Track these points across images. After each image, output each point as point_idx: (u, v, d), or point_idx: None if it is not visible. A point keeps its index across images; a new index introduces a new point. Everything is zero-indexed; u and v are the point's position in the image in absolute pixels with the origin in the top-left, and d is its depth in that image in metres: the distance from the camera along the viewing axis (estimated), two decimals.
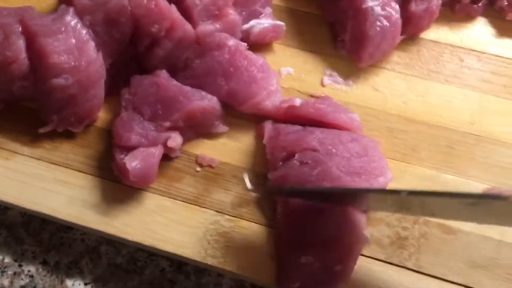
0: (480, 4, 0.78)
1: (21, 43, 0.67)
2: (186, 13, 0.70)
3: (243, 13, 0.74)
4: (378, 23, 0.72)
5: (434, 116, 0.72)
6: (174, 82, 0.69)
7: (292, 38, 0.78)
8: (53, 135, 0.71)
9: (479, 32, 0.79)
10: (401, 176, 0.69)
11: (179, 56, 0.70)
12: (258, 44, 0.76)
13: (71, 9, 0.69)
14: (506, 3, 0.77)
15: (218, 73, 0.69)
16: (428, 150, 0.70)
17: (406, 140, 0.71)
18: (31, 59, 0.67)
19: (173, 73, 0.70)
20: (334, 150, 0.65)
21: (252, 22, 0.75)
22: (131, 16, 0.68)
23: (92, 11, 0.69)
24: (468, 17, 0.79)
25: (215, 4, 0.71)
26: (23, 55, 0.67)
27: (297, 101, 0.70)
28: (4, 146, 0.71)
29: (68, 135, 0.71)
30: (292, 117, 0.69)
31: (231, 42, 0.70)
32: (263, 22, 0.75)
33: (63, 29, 0.67)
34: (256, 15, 0.75)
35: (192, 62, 0.71)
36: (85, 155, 0.71)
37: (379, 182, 0.64)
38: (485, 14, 0.80)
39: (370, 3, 0.72)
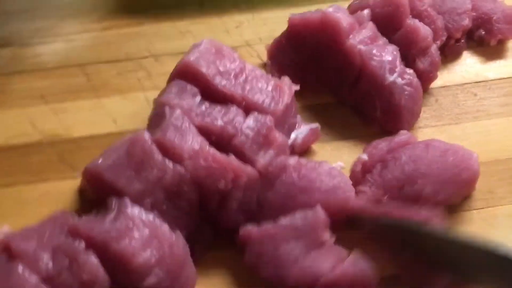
0: (463, 41, 0.85)
1: (93, 259, 0.59)
2: (236, 153, 0.67)
3: (284, 130, 0.73)
4: (406, 92, 0.75)
5: (486, 153, 0.76)
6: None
7: (323, 133, 0.78)
8: None
9: (472, 65, 0.85)
10: (494, 220, 0.71)
11: (249, 200, 0.67)
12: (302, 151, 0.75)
13: (127, 200, 0.62)
14: (483, 32, 0.85)
15: (296, 193, 0.66)
16: (501, 187, 0.74)
17: (478, 186, 0.74)
18: (109, 271, 0.59)
19: (250, 218, 0.67)
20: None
21: (293, 135, 0.74)
22: (193, 181, 0.64)
23: (150, 193, 0.63)
24: (457, 55, 0.86)
25: (260, 133, 0.68)
26: (101, 271, 0.59)
27: None
28: None
29: None
30: None
31: (291, 161, 0.69)
32: (302, 131, 0.75)
33: (131, 224, 0.61)
34: (293, 127, 0.74)
35: (264, 197, 0.67)
36: None
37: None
38: (468, 48, 0.87)
39: (391, 78, 0.74)
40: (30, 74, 0.82)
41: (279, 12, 0.90)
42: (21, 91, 0.81)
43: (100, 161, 0.66)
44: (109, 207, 0.63)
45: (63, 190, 0.73)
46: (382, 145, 0.72)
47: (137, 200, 0.63)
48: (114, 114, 0.79)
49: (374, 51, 0.75)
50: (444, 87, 0.83)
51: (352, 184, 0.69)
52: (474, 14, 0.85)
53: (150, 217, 0.62)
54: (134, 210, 0.62)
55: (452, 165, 0.69)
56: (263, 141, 0.69)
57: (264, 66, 0.84)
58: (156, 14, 0.90)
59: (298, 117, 0.76)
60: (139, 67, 0.84)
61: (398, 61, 0.76)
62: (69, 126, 0.78)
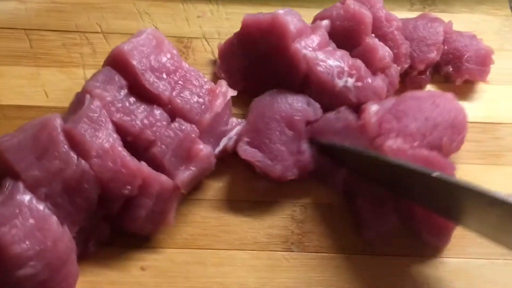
0: (427, 74, 0.80)
1: None
2: (154, 163, 0.64)
3: (211, 139, 0.69)
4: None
5: None
6: None
7: None
8: None
9: None
10: None
11: (160, 209, 0.64)
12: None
13: (20, 185, 0.60)
14: (451, 69, 0.79)
15: None
16: None
17: None
18: None
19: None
20: None
21: (223, 141, 0.71)
22: (96, 181, 0.61)
23: (46, 183, 0.60)
24: (418, 87, 0.80)
25: (182, 146, 0.65)
26: None
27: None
28: None
29: None
30: None
31: None
32: (232, 135, 0.71)
33: (17, 211, 0.58)
34: (223, 134, 0.71)
35: None
36: None
37: None
38: (432, 82, 0.81)
39: (341, 83, 0.71)
40: None
41: (246, 9, 0.85)
42: None
43: (5, 138, 0.63)
44: (2, 188, 0.61)
45: None
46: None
47: (32, 188, 0.60)
48: (48, 86, 0.77)
49: (321, 57, 0.71)
50: None
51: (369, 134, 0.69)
52: (445, 47, 0.79)
53: (40, 207, 0.60)
54: (24, 197, 0.59)
55: (448, 110, 0.70)
56: (185, 154, 0.66)
57: (214, 64, 0.80)
58: None
59: (232, 120, 0.72)
60: (86, 42, 0.80)
61: (346, 65, 0.71)
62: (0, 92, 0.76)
